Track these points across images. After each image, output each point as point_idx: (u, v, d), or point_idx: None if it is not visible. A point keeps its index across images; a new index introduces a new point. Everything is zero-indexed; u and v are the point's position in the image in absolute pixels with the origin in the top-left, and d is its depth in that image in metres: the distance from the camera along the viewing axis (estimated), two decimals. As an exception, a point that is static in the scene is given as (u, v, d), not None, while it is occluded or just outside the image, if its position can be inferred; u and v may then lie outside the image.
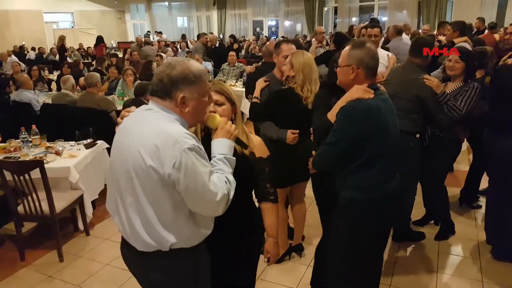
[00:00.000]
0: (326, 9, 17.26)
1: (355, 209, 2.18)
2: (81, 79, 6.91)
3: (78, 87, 6.78)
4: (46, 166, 3.41)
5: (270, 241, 2.05)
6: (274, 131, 3.04)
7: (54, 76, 9.77)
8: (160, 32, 17.71)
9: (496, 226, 3.38)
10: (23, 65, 10.32)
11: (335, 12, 17.06)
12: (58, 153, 3.92)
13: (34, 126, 4.19)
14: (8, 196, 3.43)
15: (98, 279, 3.31)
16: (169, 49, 12.23)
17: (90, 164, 3.99)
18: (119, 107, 5.33)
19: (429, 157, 3.40)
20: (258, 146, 2.03)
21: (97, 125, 4.69)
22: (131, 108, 1.84)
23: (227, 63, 8.35)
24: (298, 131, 2.96)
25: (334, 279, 2.40)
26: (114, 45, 18.44)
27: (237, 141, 1.85)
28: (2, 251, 3.76)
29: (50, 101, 6.14)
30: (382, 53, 4.36)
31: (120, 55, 12.22)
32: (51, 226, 3.55)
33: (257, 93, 3.19)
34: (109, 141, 3.13)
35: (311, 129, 2.52)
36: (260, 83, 3.21)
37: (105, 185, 4.10)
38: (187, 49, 12.60)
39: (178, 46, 14.41)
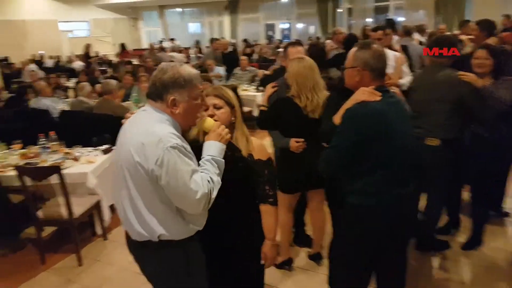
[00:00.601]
0: (340, 10, 17.08)
1: (353, 213, 2.16)
2: (98, 86, 7.03)
3: (94, 94, 6.89)
4: (64, 171, 3.48)
5: (267, 243, 2.08)
6: (279, 139, 3.03)
7: (71, 83, 9.94)
8: (173, 39, 17.90)
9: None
10: (41, 73, 10.52)
11: (350, 14, 16.86)
12: (76, 159, 4.01)
13: (52, 133, 4.27)
14: (28, 201, 3.52)
15: (115, 283, 3.37)
16: (179, 55, 12.32)
17: (107, 170, 4.06)
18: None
19: (475, 161, 3.23)
20: (257, 148, 2.07)
21: (114, 131, 4.73)
22: (134, 111, 1.99)
23: (239, 68, 8.38)
24: (302, 139, 2.91)
25: (331, 278, 2.46)
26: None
27: (230, 144, 1.94)
28: (23, 254, 3.85)
29: (67, 108, 6.26)
30: (388, 54, 4.29)
31: (135, 62, 12.38)
32: (70, 230, 3.62)
33: (264, 100, 3.18)
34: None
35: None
36: (268, 90, 3.18)
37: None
38: (199, 55, 12.70)
39: (191, 52, 14.54)
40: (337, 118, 2.15)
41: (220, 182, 1.77)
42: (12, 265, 3.69)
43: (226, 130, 1.87)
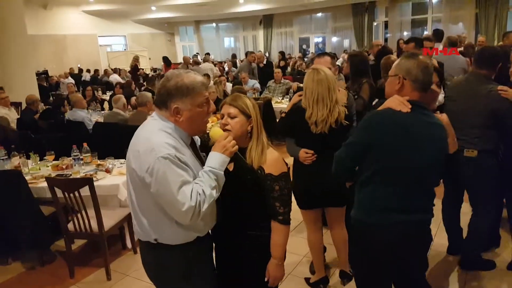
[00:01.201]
0: (375, 23, 16.90)
1: (355, 229, 2.17)
2: (133, 99, 7.09)
3: (129, 106, 6.95)
4: (96, 183, 3.43)
5: (272, 261, 2.02)
6: (291, 148, 2.96)
7: (107, 96, 10.14)
8: (208, 53, 18.08)
9: None
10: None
11: (386, 27, 16.63)
12: (108, 171, 3.96)
13: (85, 144, 4.26)
14: (59, 213, 3.47)
15: (144, 299, 3.24)
16: (212, 67, 12.37)
17: (138, 182, 3.98)
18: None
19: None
20: (269, 162, 1.96)
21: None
22: None
23: (273, 80, 8.36)
24: (312, 151, 2.83)
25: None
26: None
27: (236, 156, 1.91)
28: (53, 267, 3.80)
29: (102, 120, 6.31)
30: None
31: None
32: (100, 244, 3.55)
33: (287, 107, 3.13)
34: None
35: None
36: (294, 98, 3.10)
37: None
38: (233, 68, 12.72)
39: (225, 66, 14.62)
40: None
41: (214, 196, 1.74)
42: (41, 278, 3.63)
43: (233, 142, 1.84)
